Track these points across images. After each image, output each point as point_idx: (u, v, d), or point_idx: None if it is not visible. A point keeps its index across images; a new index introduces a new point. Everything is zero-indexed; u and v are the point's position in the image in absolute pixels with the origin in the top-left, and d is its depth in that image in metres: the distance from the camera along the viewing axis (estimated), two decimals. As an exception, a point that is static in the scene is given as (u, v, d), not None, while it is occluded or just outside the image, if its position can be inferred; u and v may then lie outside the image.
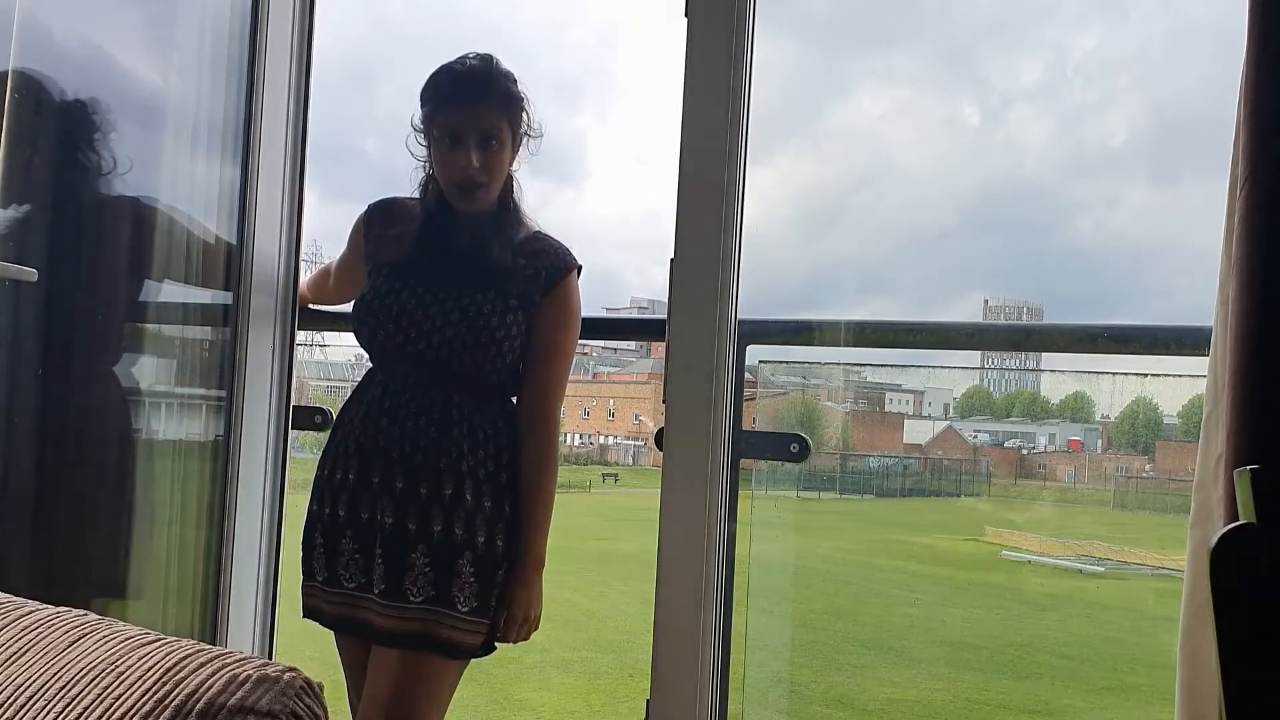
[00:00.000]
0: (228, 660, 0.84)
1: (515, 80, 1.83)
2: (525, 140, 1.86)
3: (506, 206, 1.86)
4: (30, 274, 1.73)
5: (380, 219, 1.93)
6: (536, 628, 1.79)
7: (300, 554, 1.85)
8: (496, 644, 1.79)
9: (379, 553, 1.74)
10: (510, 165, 1.85)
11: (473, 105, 1.79)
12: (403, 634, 1.70)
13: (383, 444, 1.77)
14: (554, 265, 1.83)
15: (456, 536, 1.73)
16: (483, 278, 1.80)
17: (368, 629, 1.75)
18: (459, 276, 1.80)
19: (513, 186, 1.87)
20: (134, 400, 2.03)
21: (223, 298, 2.13)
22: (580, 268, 1.86)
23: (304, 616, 1.85)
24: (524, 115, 1.84)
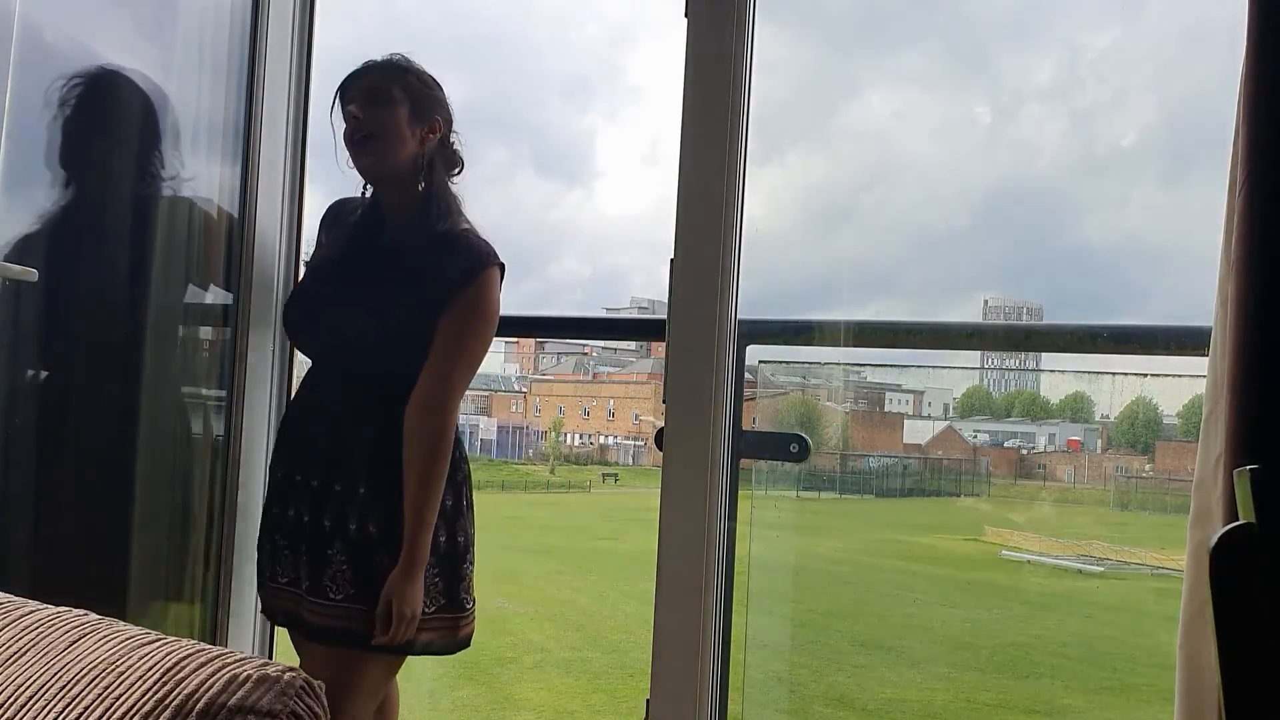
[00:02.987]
0: (228, 660, 0.84)
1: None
2: (431, 114, 1.84)
3: (428, 200, 1.83)
4: (31, 274, 1.72)
5: (329, 219, 1.99)
6: (416, 626, 1.74)
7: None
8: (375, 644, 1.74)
9: (303, 550, 1.79)
10: (420, 138, 1.82)
11: (362, 75, 1.84)
12: (328, 629, 1.75)
13: (305, 440, 1.83)
14: (469, 263, 1.79)
15: (371, 534, 1.76)
16: (395, 275, 1.81)
17: (300, 623, 1.81)
18: (374, 274, 1.82)
19: (432, 171, 1.83)
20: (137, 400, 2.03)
21: (223, 297, 2.13)
22: (503, 266, 1.82)
23: (263, 613, 1.93)
24: (418, 81, 1.84)
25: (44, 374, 1.89)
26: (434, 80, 1.87)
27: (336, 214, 1.98)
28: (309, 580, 1.77)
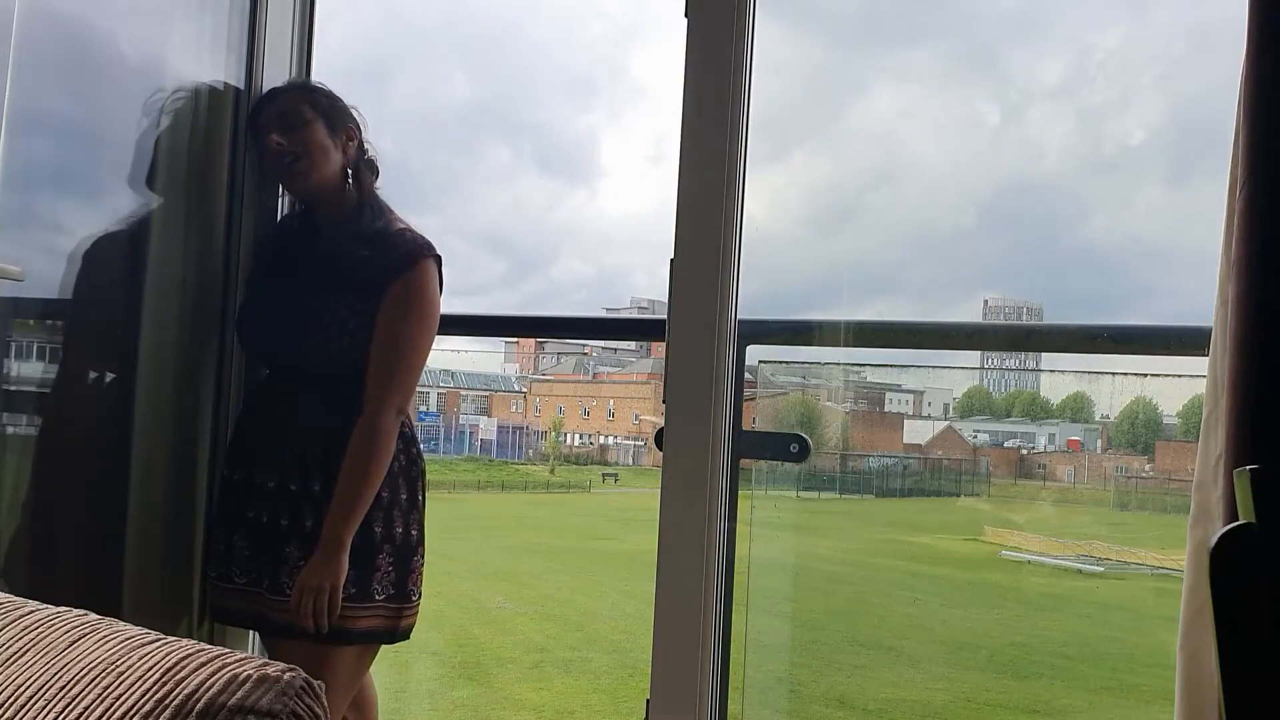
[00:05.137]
0: (228, 660, 0.84)
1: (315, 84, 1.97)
2: (344, 123, 1.92)
3: (360, 205, 1.89)
4: (17, 272, 1.71)
5: (265, 239, 2.06)
6: (335, 610, 1.74)
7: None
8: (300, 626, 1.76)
9: (263, 550, 1.84)
10: (342, 147, 1.90)
11: (270, 102, 1.94)
12: (292, 626, 1.75)
13: (263, 443, 1.87)
14: (401, 255, 1.83)
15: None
16: (336, 277, 1.84)
17: (265, 623, 1.84)
18: (316, 280, 1.87)
19: (359, 176, 1.91)
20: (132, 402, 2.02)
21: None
22: (439, 259, 1.86)
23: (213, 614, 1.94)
24: (324, 97, 1.92)
25: (109, 376, 1.94)
26: (336, 94, 1.95)
27: (272, 233, 2.06)
28: (269, 579, 1.82)
